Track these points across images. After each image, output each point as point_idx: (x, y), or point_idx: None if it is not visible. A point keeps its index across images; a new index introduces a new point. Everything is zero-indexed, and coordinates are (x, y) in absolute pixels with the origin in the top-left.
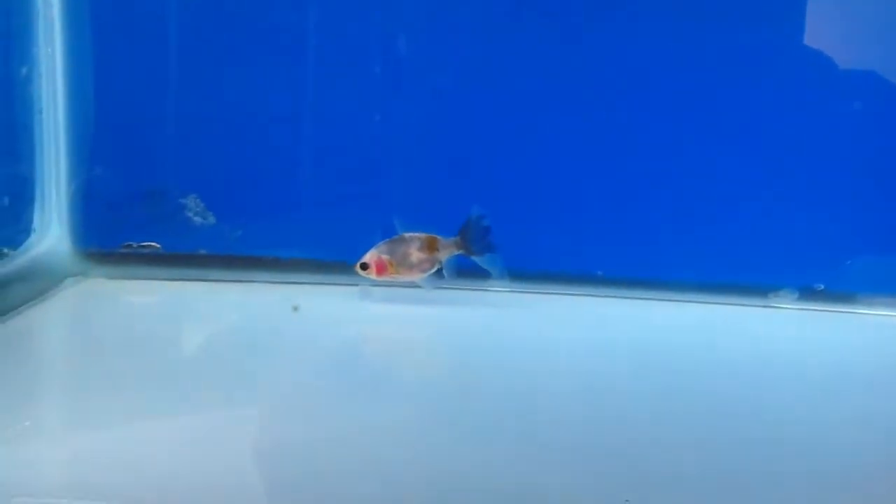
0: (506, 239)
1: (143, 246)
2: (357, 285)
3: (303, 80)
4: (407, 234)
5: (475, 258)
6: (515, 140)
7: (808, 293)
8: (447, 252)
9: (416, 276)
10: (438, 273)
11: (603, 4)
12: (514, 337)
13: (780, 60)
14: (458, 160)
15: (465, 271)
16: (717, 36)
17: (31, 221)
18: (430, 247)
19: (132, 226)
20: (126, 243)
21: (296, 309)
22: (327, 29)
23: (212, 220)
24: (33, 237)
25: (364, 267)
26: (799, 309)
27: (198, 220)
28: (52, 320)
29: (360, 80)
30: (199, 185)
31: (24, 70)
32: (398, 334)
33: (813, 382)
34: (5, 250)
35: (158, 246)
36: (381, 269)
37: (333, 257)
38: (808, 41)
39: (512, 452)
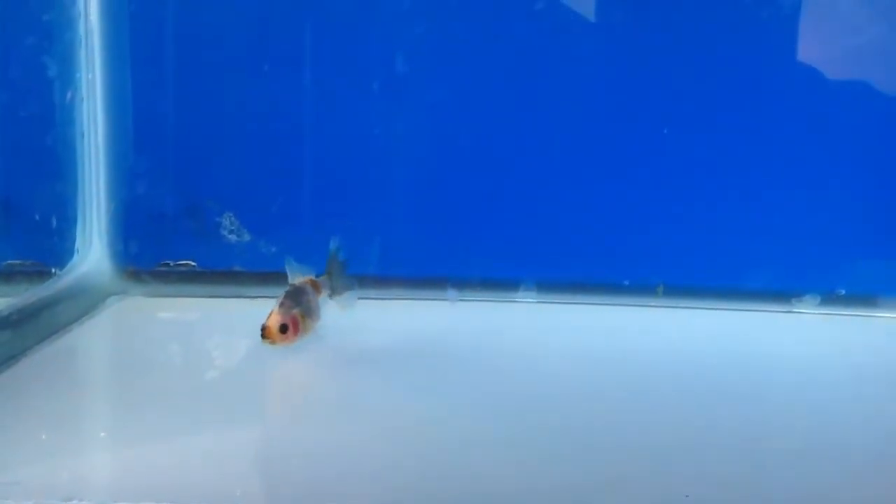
0: (535, 249)
1: (180, 264)
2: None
3: (338, 101)
4: (298, 281)
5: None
6: (534, 148)
7: (830, 298)
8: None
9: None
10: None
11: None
12: (542, 345)
13: (782, 72)
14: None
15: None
16: (726, 44)
17: (74, 241)
18: (318, 290)
19: (169, 245)
20: (163, 262)
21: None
22: (363, 47)
23: (246, 237)
24: (76, 257)
25: (284, 329)
26: (821, 314)
27: (233, 237)
28: (97, 338)
29: (396, 100)
30: (235, 203)
31: (68, 95)
32: (434, 342)
33: (837, 386)
34: (54, 270)
35: (194, 264)
36: (296, 327)
37: (365, 272)
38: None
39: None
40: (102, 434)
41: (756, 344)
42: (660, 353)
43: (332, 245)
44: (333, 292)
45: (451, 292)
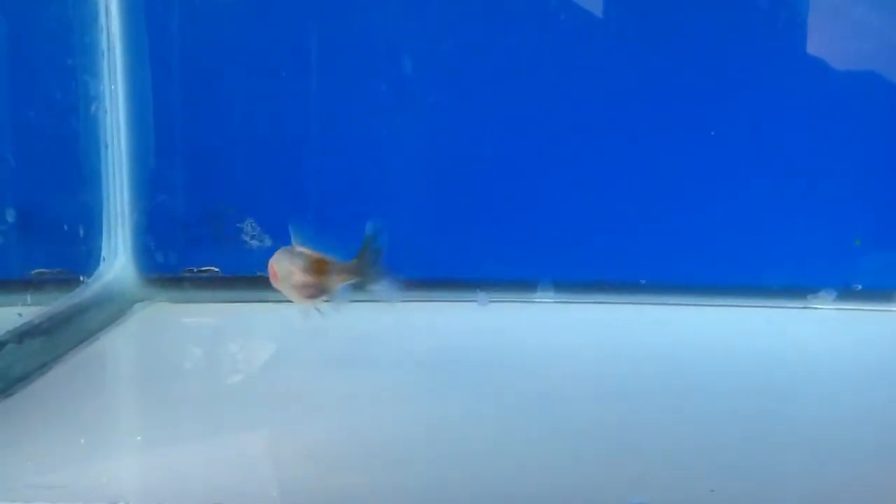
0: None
1: (203, 271)
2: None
3: (354, 104)
4: (298, 248)
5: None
6: (547, 149)
7: (846, 293)
8: (340, 279)
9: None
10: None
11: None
12: (564, 345)
13: (788, 68)
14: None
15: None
16: (729, 43)
17: (100, 250)
18: (319, 270)
19: (192, 252)
20: (187, 268)
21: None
22: (375, 50)
23: (268, 242)
24: (103, 265)
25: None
26: (838, 309)
27: (255, 243)
28: (124, 344)
29: (414, 105)
30: (256, 208)
31: (93, 107)
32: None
33: (854, 381)
34: (82, 278)
35: (217, 270)
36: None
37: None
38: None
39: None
40: (138, 438)
41: (773, 340)
42: (677, 350)
43: (369, 229)
44: (367, 280)
45: (481, 295)
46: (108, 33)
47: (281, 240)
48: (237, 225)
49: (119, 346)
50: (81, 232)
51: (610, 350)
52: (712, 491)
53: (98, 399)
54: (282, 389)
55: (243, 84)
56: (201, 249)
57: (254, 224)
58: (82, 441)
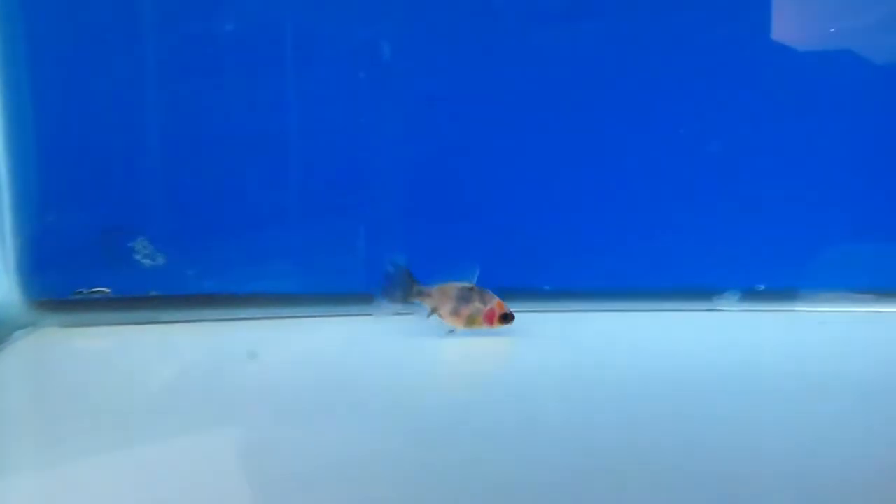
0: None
1: (94, 292)
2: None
3: (247, 116)
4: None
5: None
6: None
7: (749, 294)
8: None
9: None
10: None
11: None
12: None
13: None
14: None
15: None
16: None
17: None
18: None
19: (82, 273)
20: (76, 290)
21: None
22: (271, 75)
23: (161, 261)
24: None
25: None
26: (742, 311)
27: (147, 262)
28: (6, 371)
29: (308, 119)
30: (149, 226)
31: None
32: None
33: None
34: None
35: (108, 291)
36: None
37: (291, 290)
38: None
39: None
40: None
41: (677, 343)
42: (580, 356)
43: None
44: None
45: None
46: None
47: (175, 258)
48: (129, 244)
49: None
50: None
51: (512, 357)
52: None
53: None
54: (171, 416)
55: (130, 94)
56: (92, 270)
57: (146, 242)
58: None
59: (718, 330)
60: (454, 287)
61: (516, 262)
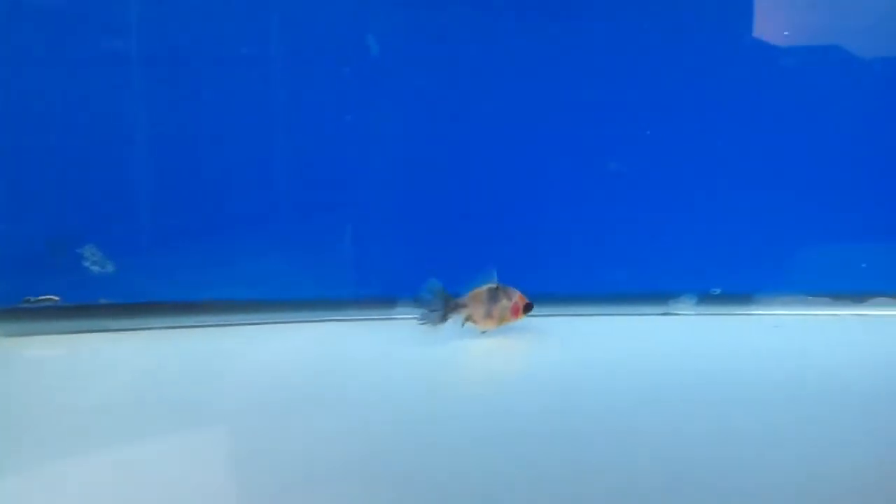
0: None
1: (42, 300)
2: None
3: (196, 122)
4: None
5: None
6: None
7: (706, 298)
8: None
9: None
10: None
11: None
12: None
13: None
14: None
15: None
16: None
17: None
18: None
19: (31, 281)
20: (25, 298)
21: None
22: (208, 80)
23: (111, 268)
24: None
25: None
26: (698, 314)
27: (96, 269)
28: None
29: (260, 122)
30: (97, 233)
31: None
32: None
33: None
34: None
35: (57, 299)
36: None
37: (243, 297)
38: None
39: None
40: None
41: (634, 347)
42: (536, 362)
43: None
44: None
45: None
46: None
47: (124, 265)
48: (77, 251)
49: None
50: None
51: (460, 365)
52: None
53: None
54: (119, 425)
55: (76, 102)
56: (41, 278)
57: (94, 249)
58: None
59: (675, 334)
60: (483, 291)
61: (471, 268)
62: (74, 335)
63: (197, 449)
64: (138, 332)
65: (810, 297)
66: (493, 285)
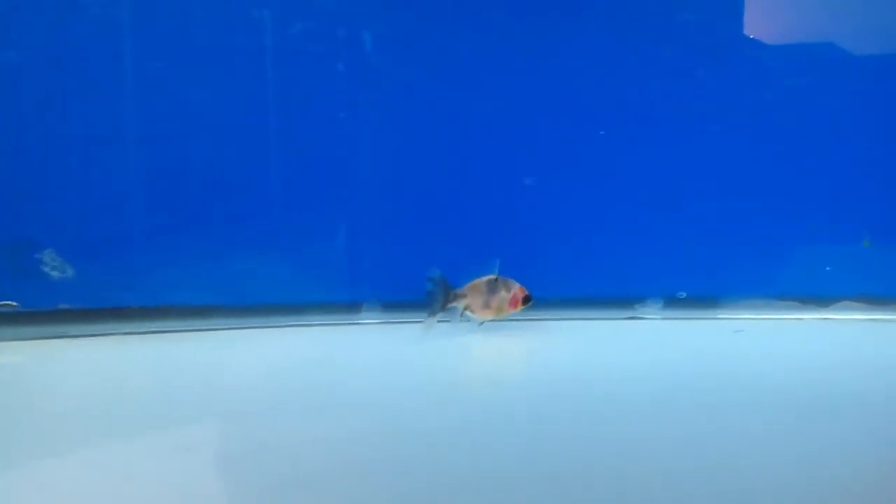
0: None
1: (1, 305)
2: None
3: (154, 124)
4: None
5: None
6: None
7: (671, 302)
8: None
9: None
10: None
11: None
12: None
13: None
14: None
15: None
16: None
17: None
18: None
19: None
20: None
21: None
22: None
23: (70, 273)
24: None
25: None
26: (664, 318)
27: (56, 274)
28: None
29: (220, 123)
30: (57, 238)
31: None
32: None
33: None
34: None
35: (16, 304)
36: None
37: (205, 301)
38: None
39: None
40: None
41: (600, 352)
42: (500, 368)
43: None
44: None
45: None
46: None
47: (84, 270)
48: (36, 255)
49: None
50: None
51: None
52: None
53: None
54: (80, 433)
55: (31, 104)
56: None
57: (54, 254)
58: None
59: (641, 337)
60: (482, 282)
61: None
62: (34, 341)
63: (164, 458)
64: (99, 337)
65: (776, 301)
66: (493, 277)
